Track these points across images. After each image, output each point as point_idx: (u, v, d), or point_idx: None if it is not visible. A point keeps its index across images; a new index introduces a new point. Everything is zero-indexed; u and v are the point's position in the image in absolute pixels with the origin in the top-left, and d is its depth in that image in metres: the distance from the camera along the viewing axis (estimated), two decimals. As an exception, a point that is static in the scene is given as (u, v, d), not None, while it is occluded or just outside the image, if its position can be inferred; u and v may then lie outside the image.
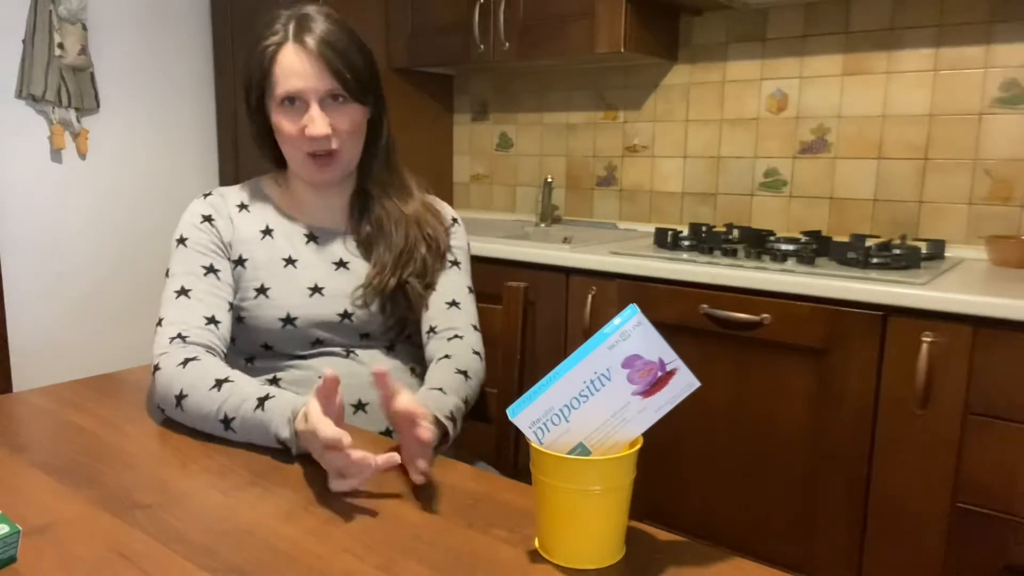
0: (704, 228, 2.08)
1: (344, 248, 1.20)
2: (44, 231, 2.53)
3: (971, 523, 1.44)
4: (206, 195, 1.21)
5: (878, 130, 2.01)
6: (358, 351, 1.18)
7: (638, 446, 0.71)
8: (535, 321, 1.97)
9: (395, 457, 0.81)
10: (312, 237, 1.20)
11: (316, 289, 1.16)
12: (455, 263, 1.24)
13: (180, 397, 0.99)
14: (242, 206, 1.20)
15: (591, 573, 0.70)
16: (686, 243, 1.97)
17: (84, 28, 2.46)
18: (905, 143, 1.98)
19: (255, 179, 1.26)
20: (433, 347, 1.16)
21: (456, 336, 1.16)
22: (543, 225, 2.55)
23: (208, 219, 1.17)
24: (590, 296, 1.88)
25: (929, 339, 1.44)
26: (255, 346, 1.17)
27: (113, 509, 0.79)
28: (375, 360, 1.18)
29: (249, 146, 2.74)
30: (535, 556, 0.72)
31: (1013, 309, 1.35)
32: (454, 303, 1.20)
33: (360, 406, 1.15)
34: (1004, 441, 1.40)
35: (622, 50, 2.07)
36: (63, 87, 2.44)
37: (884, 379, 1.50)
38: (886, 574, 1.54)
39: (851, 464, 1.56)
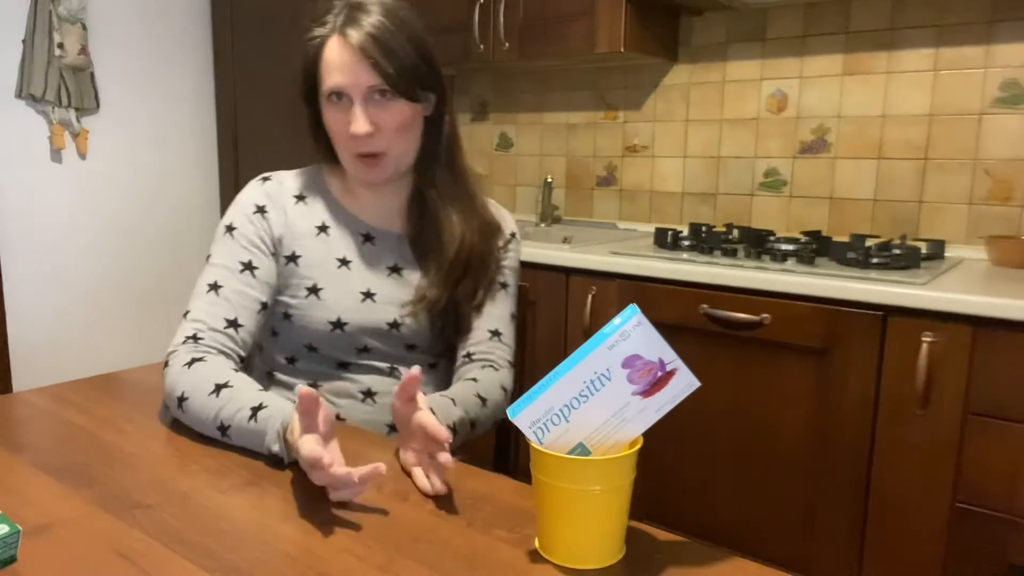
0: (704, 228, 2.08)
1: (399, 253, 1.17)
2: (44, 231, 2.53)
3: (971, 523, 1.44)
4: (265, 179, 1.17)
5: (878, 130, 2.01)
6: (401, 367, 1.16)
7: (638, 446, 0.71)
8: (535, 321, 1.97)
9: (379, 467, 0.78)
10: (368, 238, 1.16)
11: (368, 295, 1.13)
12: (504, 285, 1.20)
13: (181, 399, 0.99)
14: (299, 197, 1.16)
15: (591, 573, 0.70)
16: (686, 243, 1.97)
17: (84, 28, 2.46)
18: (905, 143, 1.98)
19: (314, 167, 1.21)
20: (464, 370, 1.15)
21: (490, 367, 1.14)
22: (543, 225, 2.55)
23: (261, 210, 1.13)
24: (590, 296, 1.88)
25: (929, 339, 1.44)
26: (299, 346, 1.15)
27: (113, 509, 0.79)
28: None
29: (249, 146, 2.75)
30: (535, 556, 0.72)
31: (1013, 309, 1.35)
32: (496, 333, 1.17)
33: (394, 427, 1.13)
34: (1004, 441, 1.40)
35: (622, 50, 2.07)
36: (63, 87, 2.44)
37: (884, 379, 1.50)
38: (886, 574, 1.54)
39: (851, 464, 1.56)
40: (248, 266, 1.10)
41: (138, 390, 1.19)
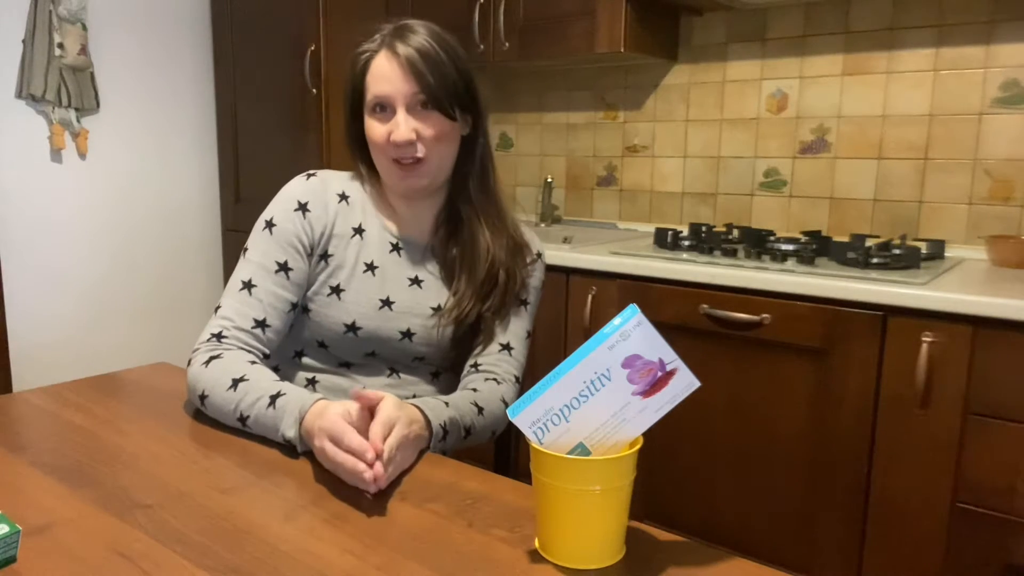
0: (704, 228, 2.08)
1: (423, 264, 1.19)
2: (44, 231, 2.53)
3: (971, 523, 1.44)
4: (310, 175, 1.19)
5: (878, 130, 2.01)
6: (403, 374, 1.18)
7: (638, 446, 0.71)
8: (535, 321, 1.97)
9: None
10: (397, 247, 1.19)
11: (387, 302, 1.15)
12: (524, 303, 1.23)
13: (203, 396, 1.03)
14: (343, 196, 1.18)
15: (591, 573, 0.70)
16: (686, 243, 1.97)
17: (84, 28, 2.46)
18: (905, 143, 1.98)
19: (354, 173, 1.24)
20: (467, 380, 1.16)
21: (493, 379, 1.15)
22: (543, 225, 2.55)
23: (303, 208, 1.14)
24: (590, 296, 1.88)
25: (929, 339, 1.44)
26: (311, 341, 1.17)
27: (113, 509, 0.79)
28: (416, 386, 1.19)
29: (249, 146, 2.75)
30: (535, 556, 0.72)
31: (1013, 309, 1.35)
32: (507, 347, 1.19)
33: None
34: (1004, 441, 1.40)
35: (622, 50, 2.07)
36: (63, 87, 2.44)
37: (884, 379, 1.50)
38: (886, 574, 1.54)
39: (851, 464, 1.56)
40: (283, 267, 1.12)
41: (138, 390, 1.19)
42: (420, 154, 1.10)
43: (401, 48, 1.08)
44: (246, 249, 1.14)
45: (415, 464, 0.93)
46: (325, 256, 1.15)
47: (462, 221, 1.19)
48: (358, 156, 1.20)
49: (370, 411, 0.89)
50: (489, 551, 0.73)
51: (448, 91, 1.09)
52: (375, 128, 1.11)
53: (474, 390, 1.11)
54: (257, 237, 1.14)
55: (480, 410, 1.07)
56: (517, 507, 0.82)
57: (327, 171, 1.22)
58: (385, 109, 1.10)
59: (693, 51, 2.30)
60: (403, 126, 1.08)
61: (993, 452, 1.41)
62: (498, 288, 1.17)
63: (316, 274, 1.15)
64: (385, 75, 1.08)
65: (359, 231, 1.17)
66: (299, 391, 0.98)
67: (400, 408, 0.91)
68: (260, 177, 2.72)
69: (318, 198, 1.16)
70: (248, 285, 1.11)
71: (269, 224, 1.14)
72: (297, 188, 1.16)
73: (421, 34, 1.10)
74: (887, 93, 1.99)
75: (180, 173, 2.87)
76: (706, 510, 1.77)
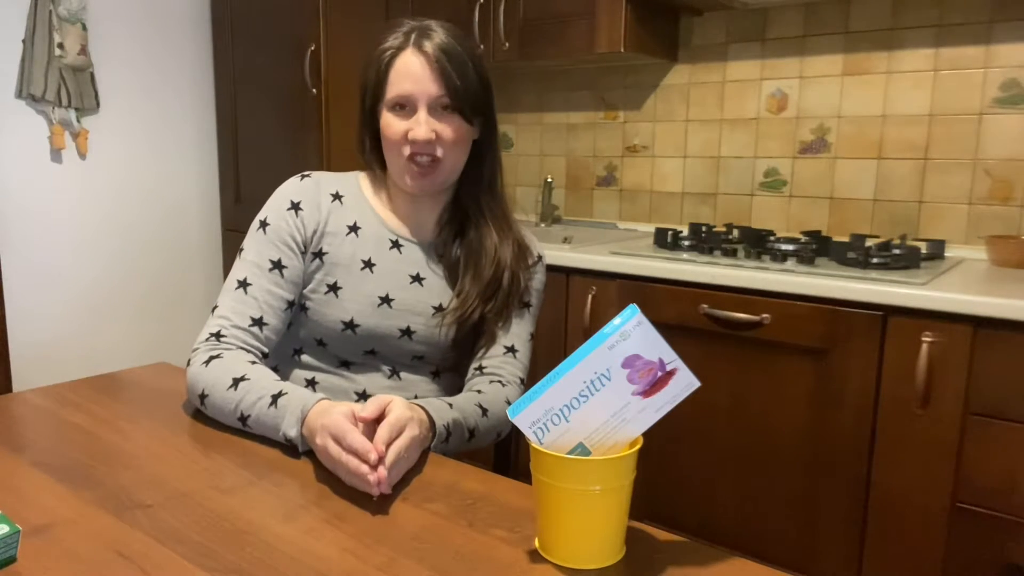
0: (704, 228, 2.08)
1: (425, 261, 1.19)
2: (44, 231, 2.53)
3: (971, 523, 1.44)
4: (303, 176, 1.20)
5: (878, 130, 2.02)
6: (403, 373, 1.18)
7: (638, 446, 0.71)
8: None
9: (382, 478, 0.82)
10: (396, 244, 1.18)
11: (385, 300, 1.15)
12: (526, 305, 1.22)
13: (203, 396, 1.04)
14: (336, 196, 1.19)
15: (591, 573, 0.70)
16: (686, 243, 1.97)
17: (84, 28, 2.46)
18: (905, 143, 1.98)
19: (354, 172, 1.25)
20: (472, 382, 1.16)
21: (498, 382, 1.15)
22: (543, 225, 2.55)
23: (296, 207, 1.15)
24: (590, 296, 1.88)
25: (929, 339, 1.44)
26: (309, 339, 1.17)
27: (113, 509, 0.79)
28: (417, 386, 1.19)
29: (249, 146, 2.75)
30: (535, 556, 0.72)
31: (1013, 309, 1.35)
32: (511, 349, 1.18)
33: None
34: (1004, 441, 1.40)
35: (622, 50, 2.07)
36: (63, 87, 2.44)
37: (884, 379, 1.50)
38: (886, 574, 1.54)
39: (851, 464, 1.56)
40: (277, 265, 1.13)
41: (138, 390, 1.19)
42: (439, 154, 1.10)
43: (428, 46, 1.08)
44: (242, 250, 1.15)
45: (417, 465, 0.93)
46: (320, 254, 1.15)
47: (468, 222, 1.19)
48: (368, 152, 1.20)
49: (376, 420, 0.89)
50: (489, 551, 0.73)
51: (470, 95, 1.10)
52: (392, 124, 1.10)
53: (478, 392, 1.11)
54: (252, 237, 1.15)
55: (484, 412, 1.07)
56: (517, 507, 0.82)
57: (321, 172, 1.22)
58: (405, 107, 1.10)
59: (693, 51, 2.30)
60: (424, 125, 1.08)
61: (993, 452, 1.41)
62: (502, 290, 1.17)
63: (312, 273, 1.15)
64: (411, 73, 1.08)
65: (354, 229, 1.17)
66: (301, 390, 0.98)
67: (411, 409, 0.91)
68: (260, 177, 2.72)
69: (311, 198, 1.17)
70: (243, 284, 1.11)
71: (263, 224, 1.15)
72: (290, 188, 1.18)
73: (445, 35, 1.10)
74: (887, 93, 1.99)
75: (180, 173, 2.87)
76: (706, 510, 1.77)
